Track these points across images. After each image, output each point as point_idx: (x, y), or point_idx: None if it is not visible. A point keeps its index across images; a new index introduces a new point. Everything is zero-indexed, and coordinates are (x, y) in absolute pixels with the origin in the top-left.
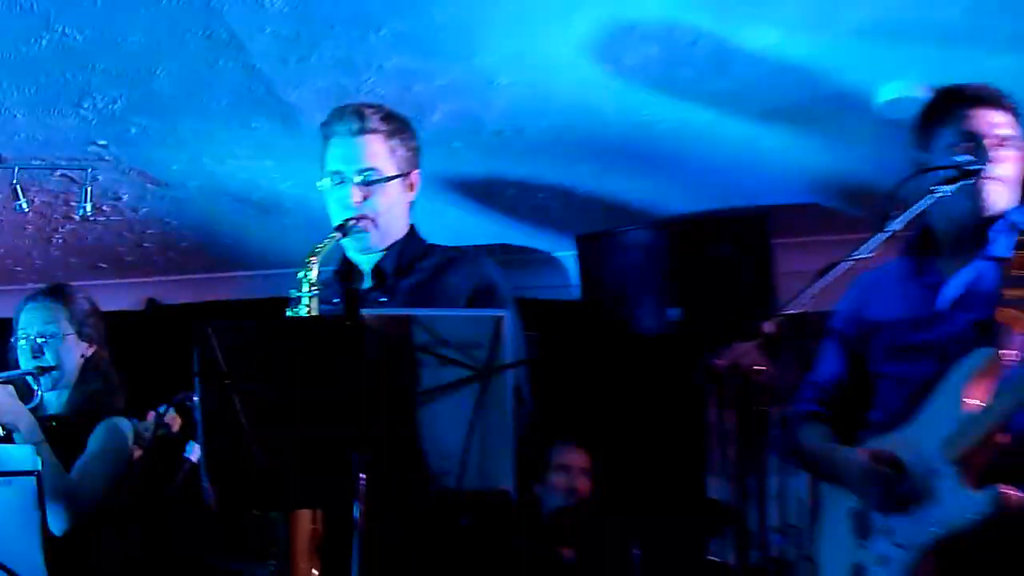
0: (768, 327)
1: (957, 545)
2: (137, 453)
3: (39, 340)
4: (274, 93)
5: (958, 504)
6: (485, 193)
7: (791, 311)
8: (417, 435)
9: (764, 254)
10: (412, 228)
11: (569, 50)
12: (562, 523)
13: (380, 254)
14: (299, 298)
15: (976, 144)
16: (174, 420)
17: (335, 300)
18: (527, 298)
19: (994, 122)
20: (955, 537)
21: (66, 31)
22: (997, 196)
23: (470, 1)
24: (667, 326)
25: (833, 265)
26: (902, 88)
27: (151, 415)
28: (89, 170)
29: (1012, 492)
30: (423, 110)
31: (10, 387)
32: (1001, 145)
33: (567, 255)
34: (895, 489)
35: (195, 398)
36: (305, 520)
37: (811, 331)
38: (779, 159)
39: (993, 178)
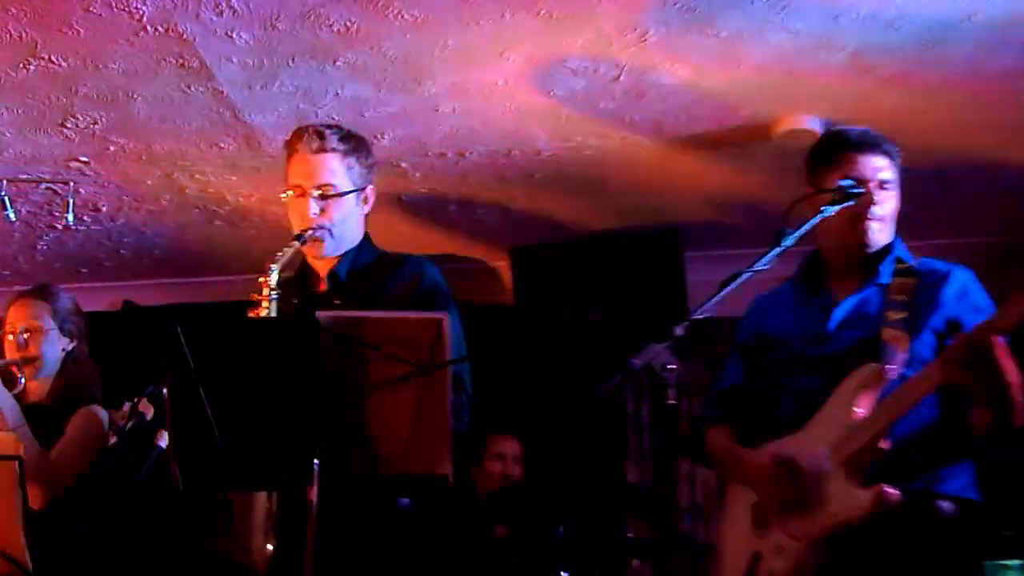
0: (678, 331)
1: (844, 537)
2: (112, 439)
3: (24, 334)
4: (240, 117)
5: (845, 501)
6: (429, 208)
7: (699, 316)
8: (365, 424)
9: (676, 266)
10: (366, 237)
11: (505, 82)
12: (497, 505)
13: (335, 260)
14: (259, 301)
15: (859, 184)
16: (147, 409)
17: (294, 301)
18: (466, 302)
19: (876, 166)
20: (841, 528)
21: (52, 58)
22: (879, 232)
23: (416, 37)
24: (590, 328)
25: (735, 276)
26: (797, 121)
27: (126, 405)
28: (71, 184)
29: (892, 491)
30: (374, 134)
31: None
32: (882, 187)
33: (501, 264)
34: (791, 488)
35: (164, 390)
36: (262, 500)
37: (717, 335)
38: (690, 181)
39: (876, 218)
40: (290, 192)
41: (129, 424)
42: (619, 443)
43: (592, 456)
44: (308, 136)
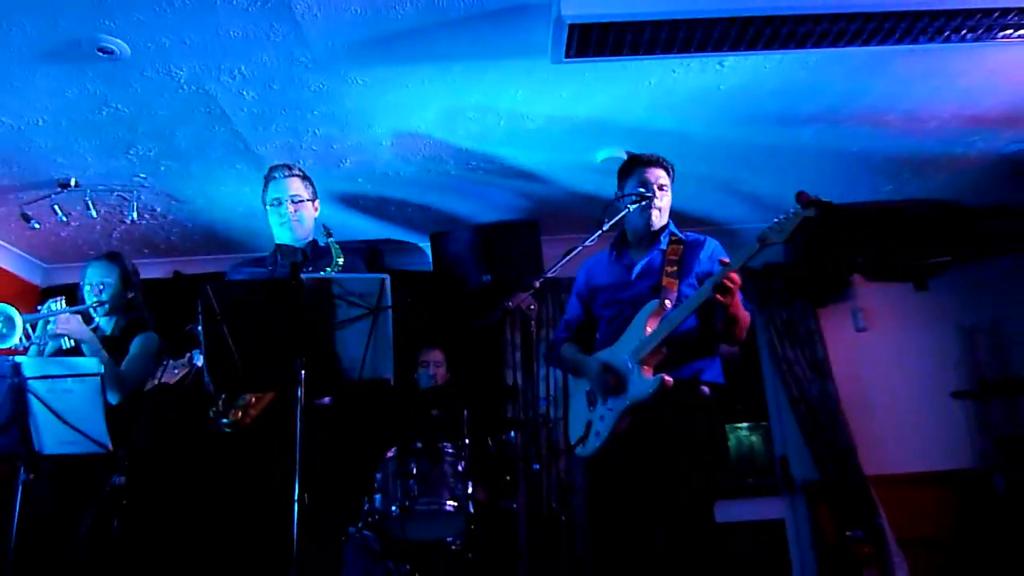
0: (536, 283)
1: (640, 408)
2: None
3: (99, 286)
4: (249, 148)
5: (640, 386)
6: (376, 207)
7: (550, 275)
8: (334, 347)
9: (536, 245)
10: (315, 230)
11: (426, 124)
12: (430, 395)
13: (302, 244)
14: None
15: (646, 188)
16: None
17: (281, 266)
18: (403, 270)
19: (657, 175)
20: (639, 403)
21: (118, 107)
22: (658, 217)
23: (366, 96)
24: (482, 286)
25: (572, 249)
26: (611, 152)
27: (187, 356)
28: (135, 192)
29: (668, 378)
30: (340, 159)
31: (79, 316)
32: (660, 189)
33: (426, 245)
34: (611, 379)
35: (199, 328)
36: (264, 398)
37: (560, 286)
38: (543, 191)
39: (656, 208)
40: (271, 204)
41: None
42: (500, 357)
43: (484, 365)
44: (280, 168)
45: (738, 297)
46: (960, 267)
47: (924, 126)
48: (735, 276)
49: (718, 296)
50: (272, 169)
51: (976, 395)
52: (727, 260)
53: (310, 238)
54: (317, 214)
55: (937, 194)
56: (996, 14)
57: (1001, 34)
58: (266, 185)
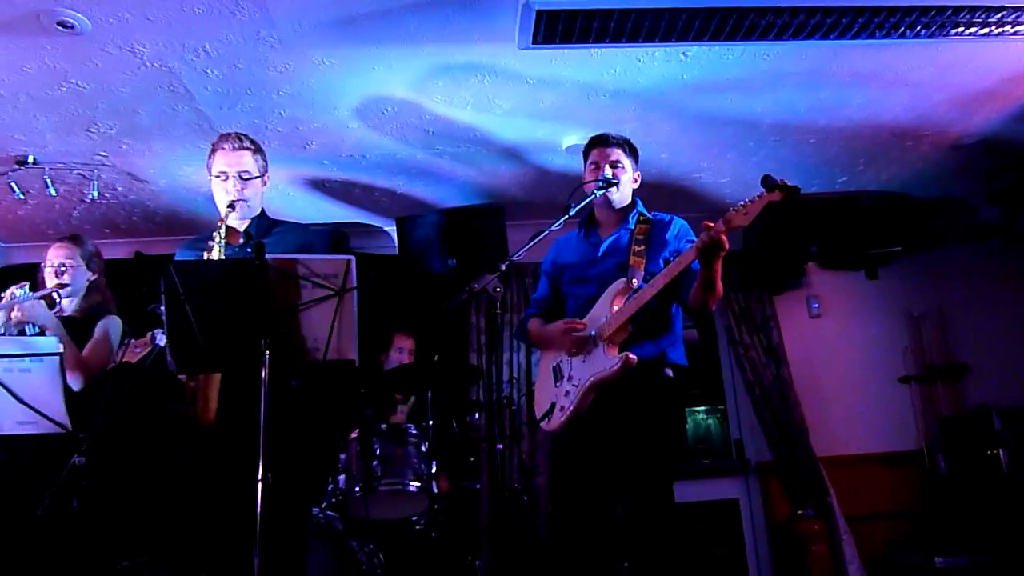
0: (501, 266)
1: (604, 384)
2: (128, 341)
3: (61, 268)
4: (213, 127)
5: (605, 363)
6: (342, 191)
7: (516, 259)
8: (299, 328)
9: (502, 230)
10: (263, 209)
11: (392, 108)
12: (394, 376)
13: (247, 222)
14: (212, 247)
15: (597, 166)
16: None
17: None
18: (368, 253)
19: (608, 153)
20: (603, 380)
21: (79, 83)
22: (614, 194)
23: (331, 77)
24: (448, 270)
25: (538, 233)
26: (575, 138)
27: (149, 335)
28: (95, 170)
29: (632, 356)
30: (305, 141)
31: (43, 300)
32: (614, 166)
33: (391, 228)
34: (575, 340)
35: (162, 308)
36: (216, 378)
37: (525, 270)
38: (509, 176)
39: (613, 184)
40: (217, 177)
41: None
42: (465, 340)
43: (449, 348)
44: (230, 139)
45: (720, 264)
46: (909, 257)
47: (879, 119)
48: (724, 238)
49: (704, 258)
50: (221, 138)
51: (922, 379)
52: (711, 224)
53: (256, 215)
54: (266, 188)
55: (889, 186)
56: (949, 11)
57: (954, 31)
58: (212, 152)
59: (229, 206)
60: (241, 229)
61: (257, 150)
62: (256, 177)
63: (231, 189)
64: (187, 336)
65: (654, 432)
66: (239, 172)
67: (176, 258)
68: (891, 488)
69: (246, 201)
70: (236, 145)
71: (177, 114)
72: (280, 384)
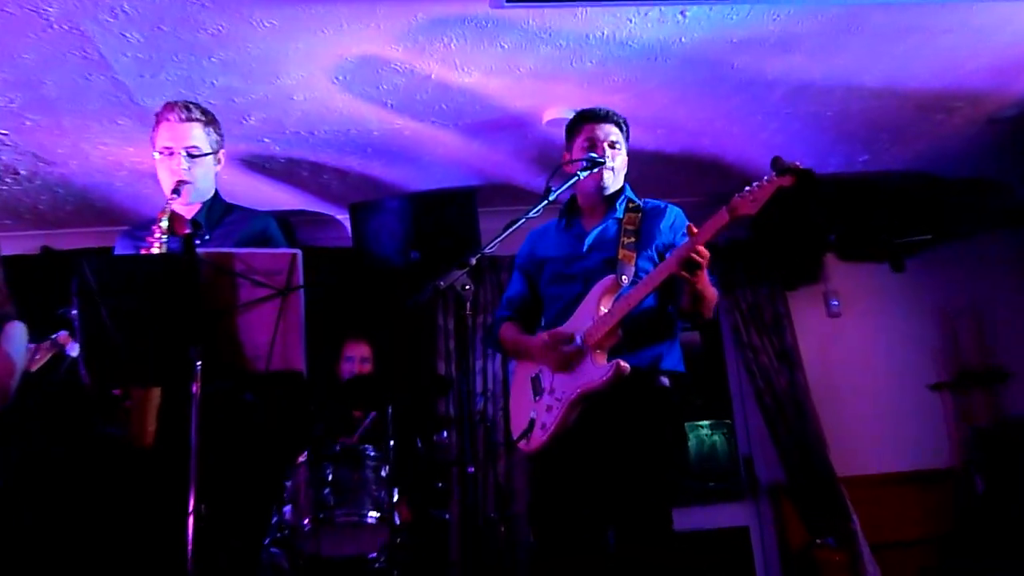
0: (472, 260)
1: (592, 397)
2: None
3: None
4: (134, 100)
5: (592, 372)
6: (286, 172)
7: (488, 251)
8: (236, 333)
9: (472, 217)
10: (216, 192)
11: (343, 77)
12: (349, 389)
13: (195, 208)
14: (153, 242)
15: (593, 146)
16: (67, 339)
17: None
18: (318, 246)
19: (607, 132)
20: (591, 392)
21: None
22: (611, 179)
23: (274, 41)
24: (410, 264)
25: (514, 221)
26: (557, 111)
27: (49, 340)
28: None
29: (624, 364)
30: (242, 115)
31: None
32: (612, 147)
33: (343, 217)
34: (558, 354)
35: (74, 311)
36: (153, 394)
37: (500, 264)
38: (480, 155)
39: (608, 168)
40: (159, 152)
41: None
42: (432, 346)
43: (413, 355)
44: (177, 109)
45: (705, 273)
46: (940, 246)
47: (904, 88)
48: (703, 249)
49: (683, 273)
50: (166, 107)
51: (956, 386)
52: (695, 229)
53: (208, 200)
54: (220, 167)
55: (916, 165)
56: None
57: None
58: (157, 125)
59: (174, 190)
60: (189, 217)
61: (210, 122)
62: (207, 154)
63: (176, 168)
64: (104, 344)
65: (649, 450)
66: (186, 148)
67: (116, 250)
68: (922, 512)
69: (193, 183)
70: (184, 116)
71: (90, 84)
72: (226, 399)
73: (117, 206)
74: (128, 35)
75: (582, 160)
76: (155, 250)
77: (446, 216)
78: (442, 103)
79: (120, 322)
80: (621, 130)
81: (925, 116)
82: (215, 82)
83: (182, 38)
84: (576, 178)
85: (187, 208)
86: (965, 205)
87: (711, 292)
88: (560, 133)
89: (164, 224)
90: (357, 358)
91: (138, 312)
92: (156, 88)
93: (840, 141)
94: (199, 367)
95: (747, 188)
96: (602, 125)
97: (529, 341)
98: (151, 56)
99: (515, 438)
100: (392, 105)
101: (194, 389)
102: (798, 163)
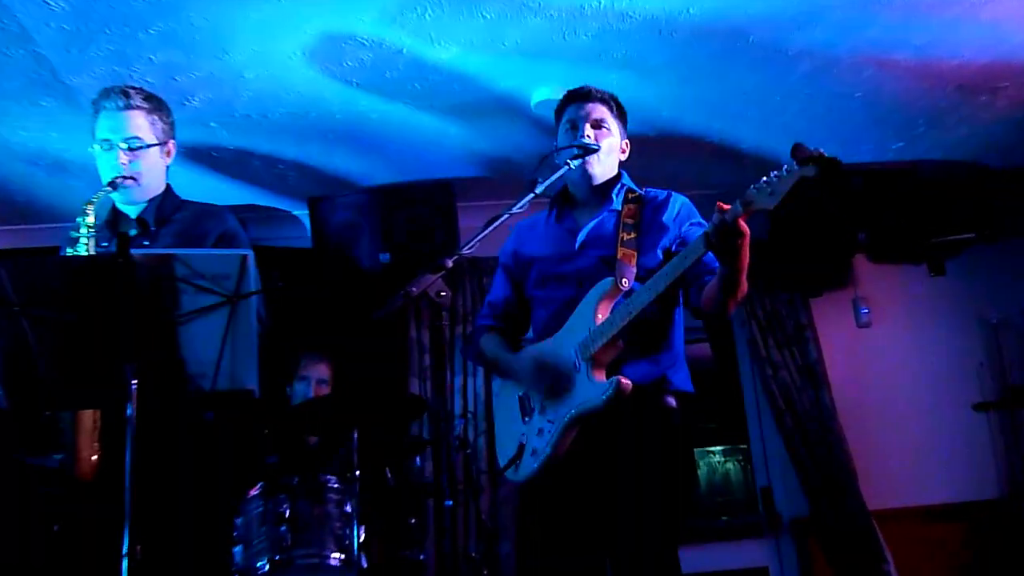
0: (448, 262)
1: (589, 419)
2: None
3: None
4: (59, 78)
5: (590, 390)
6: (236, 163)
7: (467, 252)
8: (177, 348)
9: (450, 213)
10: (168, 187)
11: (302, 52)
12: (306, 411)
13: (142, 206)
14: (78, 238)
15: (575, 128)
16: None
17: (103, 244)
18: (272, 246)
19: (590, 110)
20: (588, 413)
21: None
22: (597, 165)
23: (220, 9)
24: (379, 267)
25: (497, 217)
26: (548, 92)
27: None
28: None
29: (626, 381)
30: (185, 96)
31: None
32: (597, 127)
33: (302, 213)
34: (549, 380)
35: None
36: (88, 417)
37: (481, 267)
38: (459, 143)
39: (594, 151)
40: (98, 145)
41: None
42: (403, 361)
43: (382, 371)
44: (114, 95)
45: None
46: (984, 246)
47: (941, 67)
48: (743, 224)
49: (725, 251)
50: (103, 95)
51: (1003, 405)
52: (726, 206)
53: (157, 197)
54: (170, 160)
55: (956, 154)
56: None
57: None
58: (96, 113)
59: (109, 184)
60: (134, 216)
61: (154, 108)
62: (152, 145)
63: (115, 162)
64: (22, 361)
65: (654, 480)
66: (126, 139)
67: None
68: (966, 550)
69: (134, 179)
70: (122, 103)
71: (9, 60)
72: (180, 422)
73: (40, 201)
74: (52, 2)
75: (569, 147)
76: (82, 250)
77: (419, 212)
78: (415, 82)
79: (43, 335)
80: (609, 108)
81: (967, 98)
82: (152, 57)
83: (114, 7)
84: (565, 168)
85: (131, 207)
86: (1012, 199)
87: (746, 284)
88: (551, 117)
89: (90, 220)
90: (314, 379)
91: (64, 324)
92: (84, 64)
93: (870, 126)
94: (135, 387)
95: (764, 179)
96: (584, 104)
97: (515, 362)
98: (79, 28)
99: (501, 467)
100: (358, 84)
101: (129, 411)
102: (822, 151)
